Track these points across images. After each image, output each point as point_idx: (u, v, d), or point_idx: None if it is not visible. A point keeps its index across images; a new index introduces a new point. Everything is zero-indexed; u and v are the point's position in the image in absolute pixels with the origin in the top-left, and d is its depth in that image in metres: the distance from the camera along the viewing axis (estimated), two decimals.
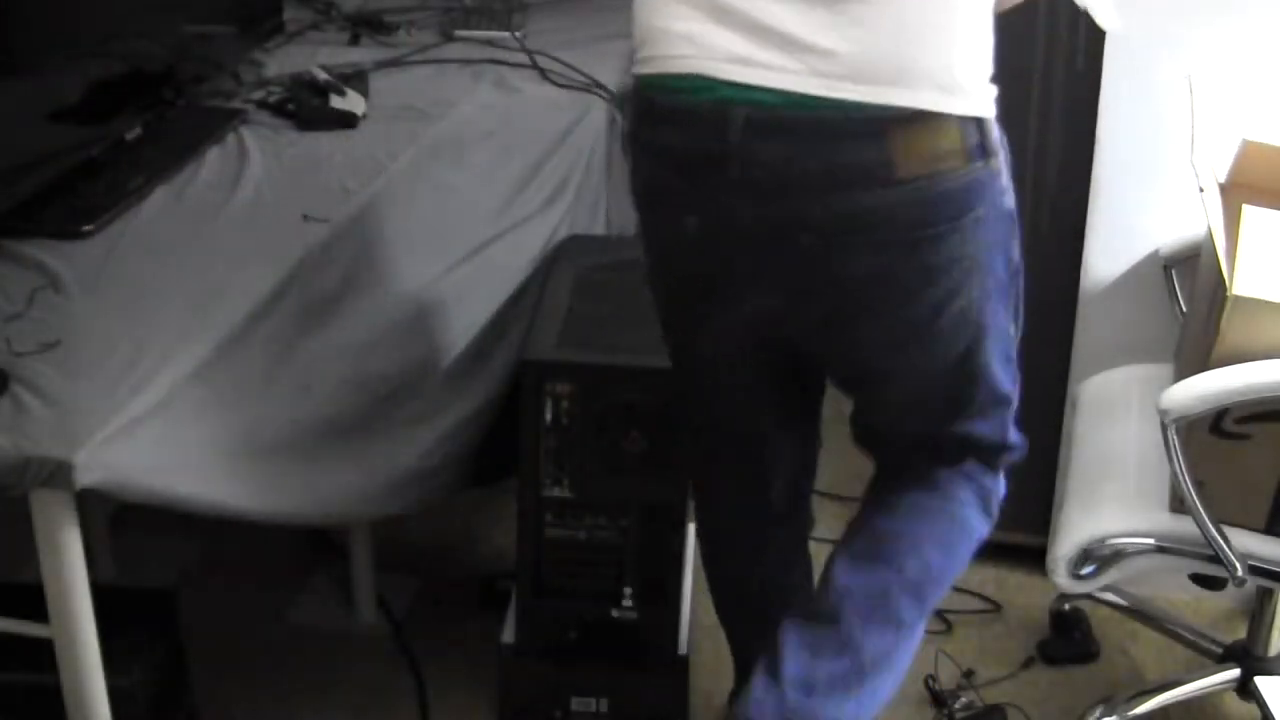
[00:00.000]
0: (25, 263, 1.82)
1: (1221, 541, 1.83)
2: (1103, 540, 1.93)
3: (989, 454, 1.79)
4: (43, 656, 1.63)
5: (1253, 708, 2.21)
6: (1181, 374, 1.90)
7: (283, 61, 2.56)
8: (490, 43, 2.71)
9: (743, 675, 1.96)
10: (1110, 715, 2.15)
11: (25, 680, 1.72)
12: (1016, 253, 1.67)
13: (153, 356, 1.64)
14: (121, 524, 2.52)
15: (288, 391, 1.78)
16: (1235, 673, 2.17)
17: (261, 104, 2.37)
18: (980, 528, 1.81)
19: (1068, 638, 2.43)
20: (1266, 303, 1.78)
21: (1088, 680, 2.37)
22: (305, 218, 1.99)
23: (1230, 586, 1.94)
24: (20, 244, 1.85)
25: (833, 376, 1.80)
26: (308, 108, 2.32)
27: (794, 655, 1.68)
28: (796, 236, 1.55)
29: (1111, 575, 1.94)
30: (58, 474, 1.47)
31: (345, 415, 1.84)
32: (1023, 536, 2.57)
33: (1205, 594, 2.45)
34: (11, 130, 1.88)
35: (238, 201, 2.03)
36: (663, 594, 2.14)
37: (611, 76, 2.60)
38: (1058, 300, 2.40)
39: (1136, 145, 2.26)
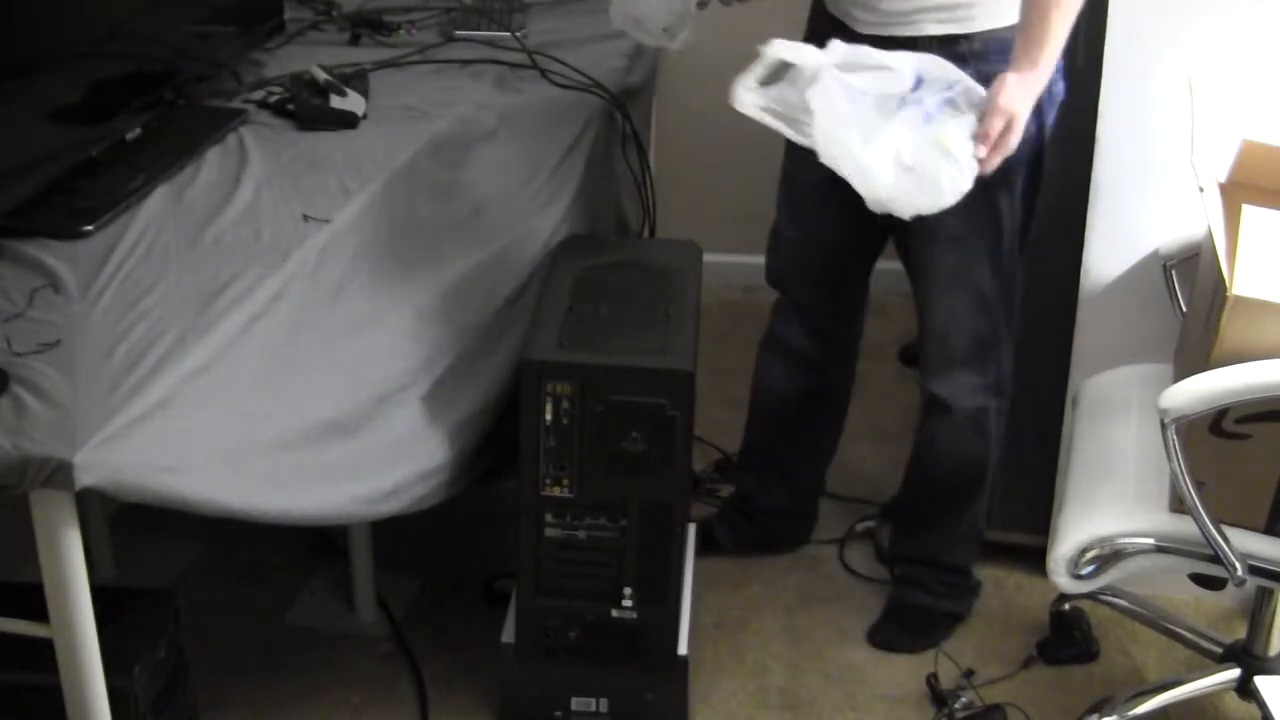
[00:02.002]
0: (25, 263, 1.82)
1: (1221, 541, 1.83)
2: (1103, 540, 1.93)
3: None
4: (43, 656, 1.63)
5: (1253, 708, 2.22)
6: (1181, 374, 1.90)
7: (283, 61, 2.56)
8: (490, 43, 2.71)
9: None
10: (1110, 715, 2.15)
11: (25, 680, 1.72)
12: None
13: (153, 356, 1.65)
14: (121, 524, 2.52)
15: (288, 391, 1.78)
16: (1235, 673, 2.18)
17: (261, 104, 2.37)
18: None
19: (1068, 638, 2.43)
20: (1266, 303, 1.78)
21: (1088, 680, 2.37)
22: (305, 218, 1.99)
23: (1230, 586, 1.94)
24: (20, 244, 1.85)
25: None
26: (308, 108, 2.32)
27: None
28: None
29: (1111, 575, 1.94)
30: (58, 474, 1.47)
31: (345, 415, 1.84)
32: (1023, 536, 2.57)
33: (1205, 594, 2.45)
34: (11, 130, 1.88)
35: (238, 201, 2.03)
36: (663, 594, 2.14)
37: (611, 76, 2.60)
38: (1058, 300, 2.40)
39: (1136, 145, 2.26)
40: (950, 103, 1.93)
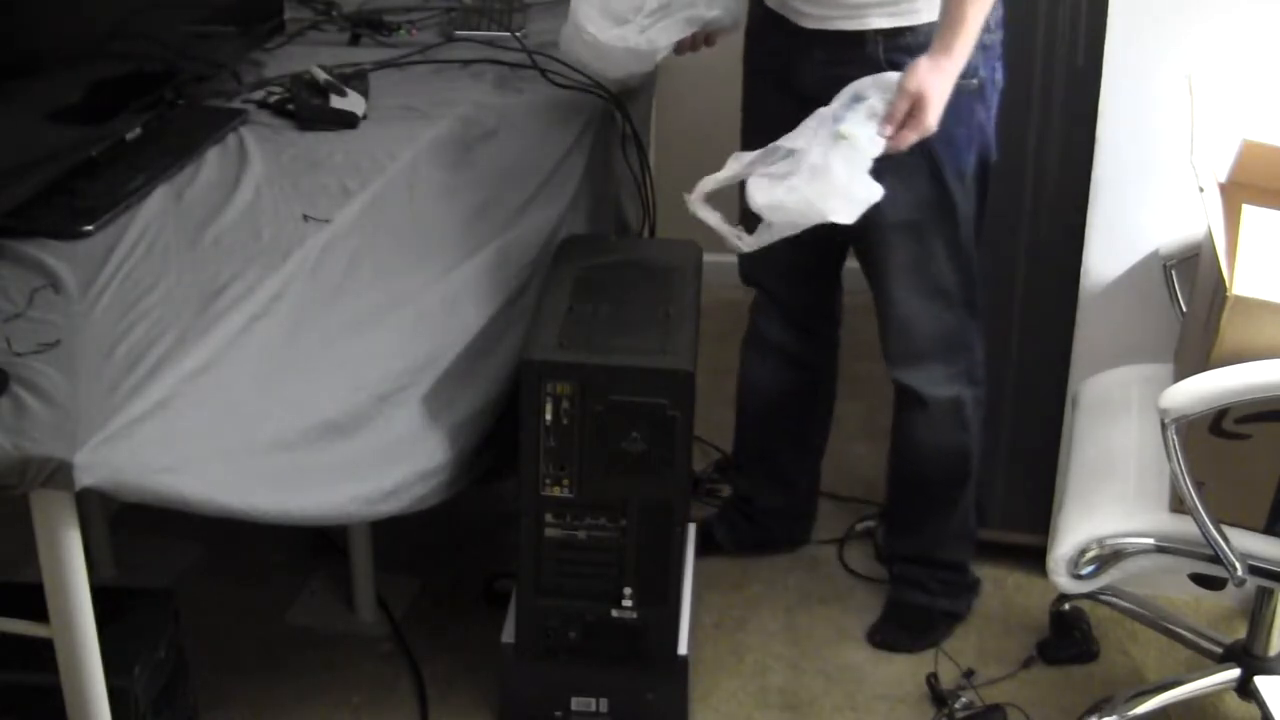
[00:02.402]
0: (25, 263, 1.82)
1: (1221, 541, 1.83)
2: (1103, 540, 1.93)
3: None
4: (43, 656, 1.63)
5: (1253, 708, 2.22)
6: (1181, 374, 1.90)
7: (283, 61, 2.55)
8: (490, 43, 2.71)
9: None
10: (1110, 715, 2.15)
11: (25, 680, 1.72)
12: None
13: (153, 356, 1.65)
14: (121, 524, 2.52)
15: (288, 391, 1.77)
16: (1235, 673, 2.18)
17: (261, 104, 2.37)
18: None
19: (1068, 638, 2.43)
20: (1266, 303, 1.78)
21: (1088, 680, 2.37)
22: (305, 218, 1.99)
23: (1230, 586, 1.94)
24: (20, 244, 1.85)
25: None
26: (308, 108, 2.32)
27: None
28: None
29: (1111, 575, 1.94)
30: (58, 474, 1.47)
31: (345, 415, 1.84)
32: (1023, 536, 2.58)
33: (1205, 594, 2.45)
34: (11, 130, 1.88)
35: (238, 201, 2.02)
36: (663, 594, 2.14)
37: None
38: (1058, 300, 2.40)
39: (1136, 145, 2.26)
40: (856, 99, 1.98)
